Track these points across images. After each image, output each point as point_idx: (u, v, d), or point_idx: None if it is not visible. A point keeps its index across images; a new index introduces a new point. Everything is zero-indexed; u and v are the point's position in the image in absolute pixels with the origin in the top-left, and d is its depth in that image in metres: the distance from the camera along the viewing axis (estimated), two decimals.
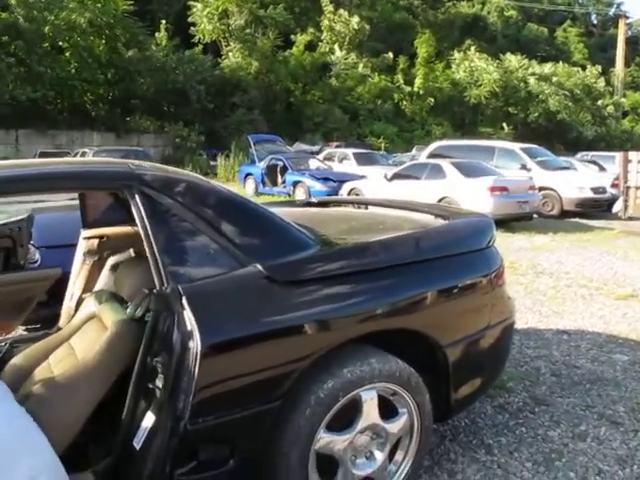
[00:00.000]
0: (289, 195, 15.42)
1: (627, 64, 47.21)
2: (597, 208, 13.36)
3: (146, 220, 2.03)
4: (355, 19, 34.79)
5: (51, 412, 1.96)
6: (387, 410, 2.34)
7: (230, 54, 31.12)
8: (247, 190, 17.51)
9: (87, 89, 25.84)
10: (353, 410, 2.23)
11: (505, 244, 8.16)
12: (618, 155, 13.57)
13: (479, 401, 3.32)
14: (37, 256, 3.82)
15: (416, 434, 2.42)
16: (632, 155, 12.11)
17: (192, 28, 30.79)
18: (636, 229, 11.16)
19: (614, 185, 13.27)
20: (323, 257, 2.35)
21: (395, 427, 2.36)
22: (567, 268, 7.45)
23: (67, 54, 25.68)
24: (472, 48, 39.19)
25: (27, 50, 23.50)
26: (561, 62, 41.55)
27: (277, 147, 18.25)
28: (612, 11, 63.22)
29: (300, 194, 14.68)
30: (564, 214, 13.05)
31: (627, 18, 47.30)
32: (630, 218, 11.97)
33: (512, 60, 37.95)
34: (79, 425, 2.03)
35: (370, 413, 2.26)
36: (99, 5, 26.49)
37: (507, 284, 3.04)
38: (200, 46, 30.78)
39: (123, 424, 2.02)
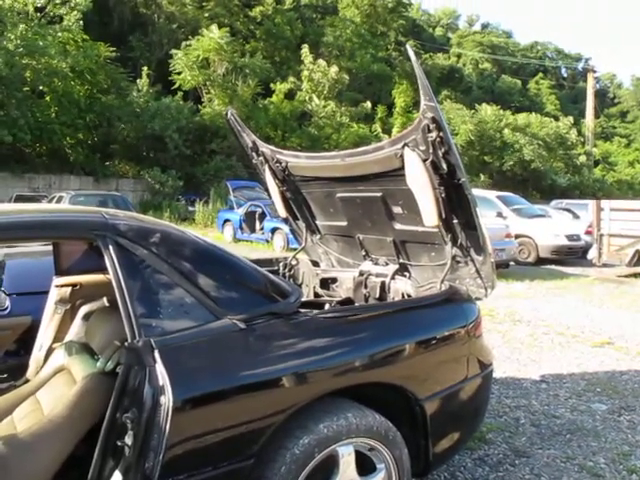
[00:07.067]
0: (267, 242, 15.38)
1: (597, 115, 48.83)
2: (572, 255, 13.56)
3: (119, 270, 1.98)
4: (334, 69, 35.61)
5: (10, 475, 1.87)
6: (365, 466, 2.28)
7: (210, 102, 31.50)
8: (225, 236, 17.47)
9: (66, 133, 25.86)
10: (330, 466, 2.17)
11: None
12: (591, 203, 13.86)
13: (458, 454, 3.26)
14: (7, 303, 3.72)
15: None
16: (604, 203, 12.37)
17: (174, 76, 31.19)
18: (611, 276, 11.32)
19: (588, 232, 13.50)
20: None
21: None
22: (544, 315, 7.48)
23: (47, 98, 25.77)
24: (448, 100, 40.27)
25: (7, 94, 23.52)
26: (534, 113, 42.80)
27: (256, 193, 18.29)
28: (581, 65, 65.86)
29: (278, 241, 14.68)
30: (540, 261, 13.21)
31: (595, 72, 49.16)
32: (604, 265, 12.14)
33: (487, 110, 38.98)
34: None
35: (347, 469, 2.19)
36: (81, 51, 26.80)
37: (485, 332, 3.02)
38: (181, 93, 31.15)
39: None
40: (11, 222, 2.05)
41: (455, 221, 2.86)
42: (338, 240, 4.06)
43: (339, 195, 3.55)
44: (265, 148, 3.78)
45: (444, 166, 2.60)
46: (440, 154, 2.58)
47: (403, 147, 2.72)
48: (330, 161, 3.35)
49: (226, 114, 4.03)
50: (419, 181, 2.74)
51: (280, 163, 3.68)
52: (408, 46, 2.76)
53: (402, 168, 2.80)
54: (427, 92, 2.42)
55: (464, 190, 2.63)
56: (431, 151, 2.60)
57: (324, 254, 4.22)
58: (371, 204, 3.36)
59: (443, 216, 2.83)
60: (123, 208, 14.46)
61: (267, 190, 4.12)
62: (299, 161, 3.62)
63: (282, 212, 4.17)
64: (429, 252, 3.28)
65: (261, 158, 3.83)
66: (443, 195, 2.75)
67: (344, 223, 3.75)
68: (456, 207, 2.79)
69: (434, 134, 2.52)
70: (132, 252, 2.04)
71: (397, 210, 3.23)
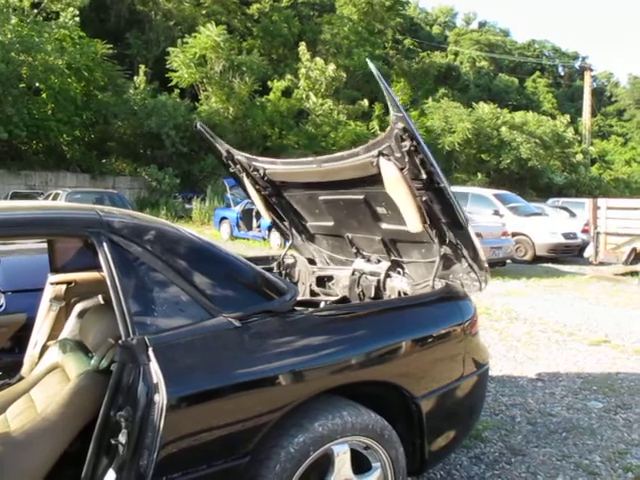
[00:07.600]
0: (264, 239, 15.35)
1: (593, 114, 48.91)
2: (569, 253, 13.58)
3: (113, 268, 1.97)
4: (331, 67, 35.54)
5: (3, 473, 1.85)
6: (360, 464, 2.27)
7: (207, 99, 31.42)
8: (222, 234, 17.44)
9: (63, 130, 25.77)
10: (325, 465, 2.16)
11: None
12: (587, 201, 13.85)
13: (454, 452, 3.25)
14: (2, 301, 3.71)
15: None
16: (601, 202, 12.35)
17: (170, 73, 31.09)
18: (607, 274, 11.33)
19: (584, 231, 13.51)
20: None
21: None
22: (541, 313, 7.49)
23: (43, 95, 25.67)
24: (445, 98, 40.24)
25: (2, 91, 23.42)
26: (531, 111, 42.80)
27: None
28: (578, 64, 65.90)
29: (275, 239, 14.65)
30: (537, 259, 13.23)
31: (592, 70, 49.21)
32: (601, 263, 12.14)
33: (484, 108, 38.97)
34: None
35: (342, 468, 2.18)
36: (77, 48, 26.70)
37: (482, 330, 3.02)
38: (178, 90, 31.07)
39: None
40: (4, 219, 2.03)
41: (441, 221, 2.85)
42: (328, 239, 4.05)
43: (322, 198, 3.52)
44: (240, 156, 3.76)
45: (422, 173, 2.60)
46: (417, 162, 2.57)
47: (378, 156, 2.71)
48: (307, 167, 3.32)
49: (195, 126, 4.04)
50: (398, 190, 2.72)
51: (257, 170, 3.66)
52: (369, 61, 2.76)
53: (379, 174, 2.79)
54: (394, 104, 2.42)
55: (445, 195, 2.63)
56: (407, 160, 2.59)
57: (316, 251, 4.21)
58: (354, 206, 3.34)
59: (427, 221, 2.83)
60: (120, 206, 14.44)
61: (248, 196, 4.11)
62: (276, 167, 3.60)
63: (267, 216, 4.16)
64: (419, 249, 3.27)
65: (238, 166, 3.81)
66: (424, 199, 2.75)
67: (331, 223, 3.73)
68: (440, 210, 2.78)
69: (407, 143, 2.51)
70: (126, 249, 2.02)
71: (381, 211, 3.22)
